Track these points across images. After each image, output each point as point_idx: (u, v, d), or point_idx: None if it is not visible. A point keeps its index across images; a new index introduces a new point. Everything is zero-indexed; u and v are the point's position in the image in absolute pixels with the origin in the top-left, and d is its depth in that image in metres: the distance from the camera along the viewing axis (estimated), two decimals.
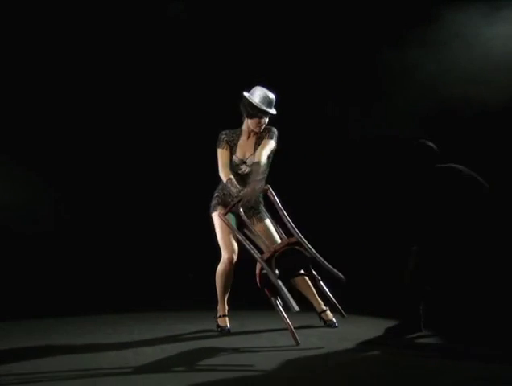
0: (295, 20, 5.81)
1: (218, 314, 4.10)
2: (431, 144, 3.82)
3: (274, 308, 3.61)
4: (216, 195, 4.13)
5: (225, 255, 4.04)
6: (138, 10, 5.93)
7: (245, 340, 3.70)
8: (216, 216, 4.05)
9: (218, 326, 4.06)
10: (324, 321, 4.08)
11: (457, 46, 5.35)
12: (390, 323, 3.81)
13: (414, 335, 3.67)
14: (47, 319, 4.63)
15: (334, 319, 4.05)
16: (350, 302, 4.20)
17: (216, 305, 4.09)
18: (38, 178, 6.11)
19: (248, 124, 4.06)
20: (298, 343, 3.49)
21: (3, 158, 6.02)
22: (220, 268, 4.05)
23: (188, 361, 3.24)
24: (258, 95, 3.98)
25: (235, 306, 4.14)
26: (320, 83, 5.86)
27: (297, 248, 3.66)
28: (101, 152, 6.24)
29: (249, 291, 4.10)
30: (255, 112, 3.98)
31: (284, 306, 3.58)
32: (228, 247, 4.04)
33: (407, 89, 5.48)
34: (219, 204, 4.07)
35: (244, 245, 3.77)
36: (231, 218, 3.98)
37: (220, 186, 4.11)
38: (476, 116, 5.22)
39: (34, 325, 4.40)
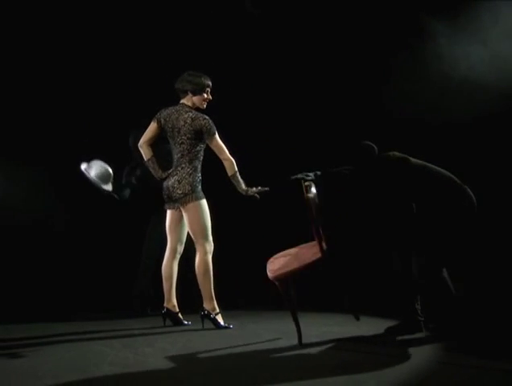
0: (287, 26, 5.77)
1: (216, 311, 4.07)
2: (370, 143, 3.88)
3: (280, 306, 3.58)
4: (198, 180, 4.04)
5: (211, 244, 4.04)
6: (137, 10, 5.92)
7: (245, 340, 3.70)
8: (205, 203, 4.02)
9: (223, 324, 4.05)
10: None
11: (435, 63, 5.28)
12: (390, 323, 3.82)
13: (414, 335, 3.67)
14: (46, 319, 4.63)
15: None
16: (350, 302, 4.20)
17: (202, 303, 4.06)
18: (38, 178, 6.10)
19: (192, 101, 4.06)
20: (301, 344, 3.49)
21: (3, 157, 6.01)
22: (208, 259, 4.01)
23: (188, 361, 3.24)
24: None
25: (235, 306, 4.13)
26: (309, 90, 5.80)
27: None
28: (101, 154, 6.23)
29: (249, 291, 4.09)
30: (203, 86, 4.02)
31: None
32: (211, 236, 4.05)
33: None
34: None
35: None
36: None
37: (198, 173, 4.04)
38: (446, 125, 5.15)
39: (33, 325, 4.40)
